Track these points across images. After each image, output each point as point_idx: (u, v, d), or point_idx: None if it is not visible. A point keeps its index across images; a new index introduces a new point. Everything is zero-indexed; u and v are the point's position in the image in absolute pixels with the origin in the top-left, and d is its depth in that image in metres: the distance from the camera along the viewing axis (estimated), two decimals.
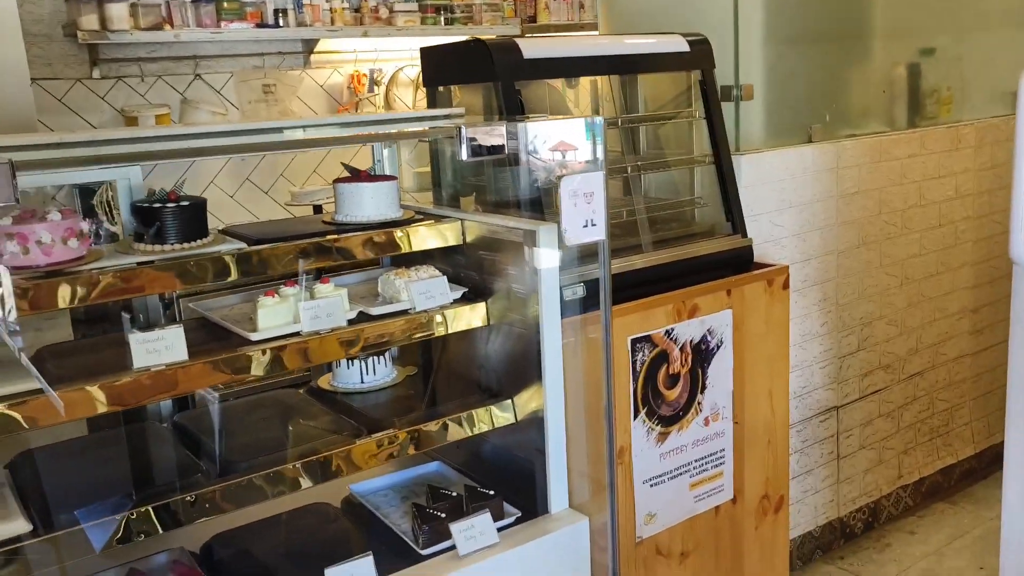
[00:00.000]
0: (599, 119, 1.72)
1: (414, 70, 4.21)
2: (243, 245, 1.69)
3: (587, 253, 1.89)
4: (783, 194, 2.58)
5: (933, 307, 3.10)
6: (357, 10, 3.88)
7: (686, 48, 2.32)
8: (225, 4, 3.32)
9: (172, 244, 1.62)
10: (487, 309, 1.94)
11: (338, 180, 1.92)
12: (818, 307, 2.74)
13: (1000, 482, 3.37)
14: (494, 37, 4.39)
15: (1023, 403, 2.03)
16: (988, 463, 3.43)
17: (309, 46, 3.87)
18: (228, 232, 1.81)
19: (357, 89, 4.04)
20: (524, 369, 1.93)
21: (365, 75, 4.07)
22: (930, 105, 3.02)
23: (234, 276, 1.65)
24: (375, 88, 4.10)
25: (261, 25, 3.47)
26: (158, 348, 1.51)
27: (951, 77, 3.08)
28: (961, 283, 3.18)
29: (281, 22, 3.52)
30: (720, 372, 2.28)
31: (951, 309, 3.16)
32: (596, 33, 4.29)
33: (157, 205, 1.61)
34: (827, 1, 2.75)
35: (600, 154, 1.73)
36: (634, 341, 2.12)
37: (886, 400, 3.02)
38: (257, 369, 1.61)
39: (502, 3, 4.32)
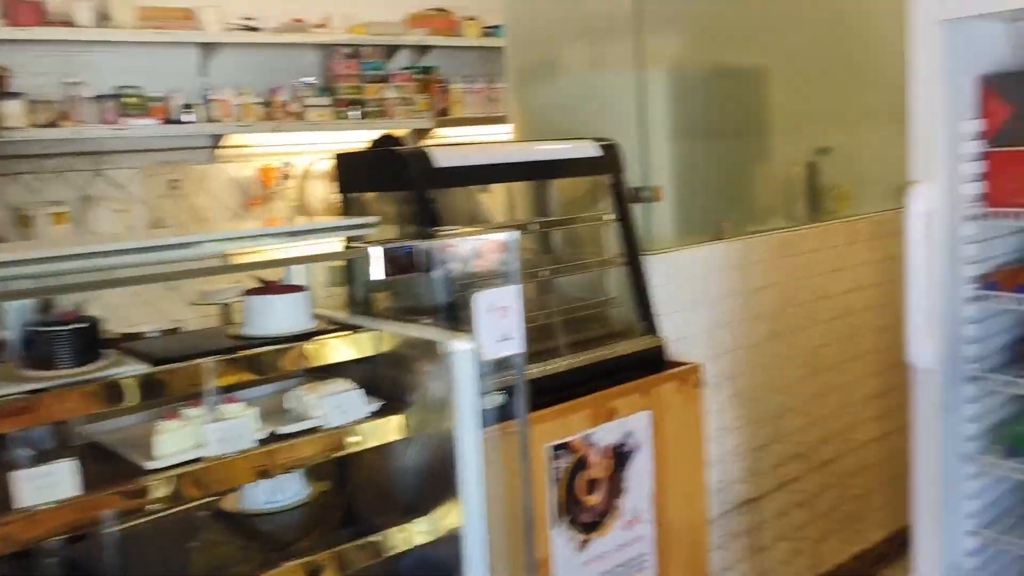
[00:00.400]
0: (515, 234, 1.72)
1: (327, 163, 4.19)
2: (143, 367, 1.61)
3: (505, 360, 1.87)
4: (694, 291, 2.63)
5: (841, 395, 3.17)
6: (267, 104, 3.86)
7: (598, 153, 2.37)
8: (127, 100, 3.25)
9: (65, 369, 1.53)
10: (404, 422, 1.89)
11: (248, 292, 1.87)
12: (732, 401, 2.78)
13: (911, 568, 3.44)
14: (407, 132, 4.43)
15: (927, 502, 2.08)
16: (899, 546, 3.49)
17: (217, 140, 3.82)
18: (128, 349, 1.73)
19: (267, 183, 3.99)
20: (443, 482, 1.87)
21: (276, 169, 4.03)
22: (828, 201, 3.15)
23: (134, 400, 1.57)
24: (286, 181, 4.06)
25: (168, 121, 3.41)
26: (47, 484, 1.41)
27: (846, 174, 3.22)
28: (865, 370, 3.27)
29: (187, 118, 3.47)
30: (639, 474, 2.27)
31: (857, 396, 3.25)
32: (508, 127, 4.38)
33: (46, 329, 1.53)
34: (730, 102, 2.86)
35: (515, 269, 1.73)
36: (553, 448, 2.10)
37: (801, 489, 3.06)
38: (157, 499, 1.52)
39: (415, 97, 4.37)
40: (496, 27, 4.79)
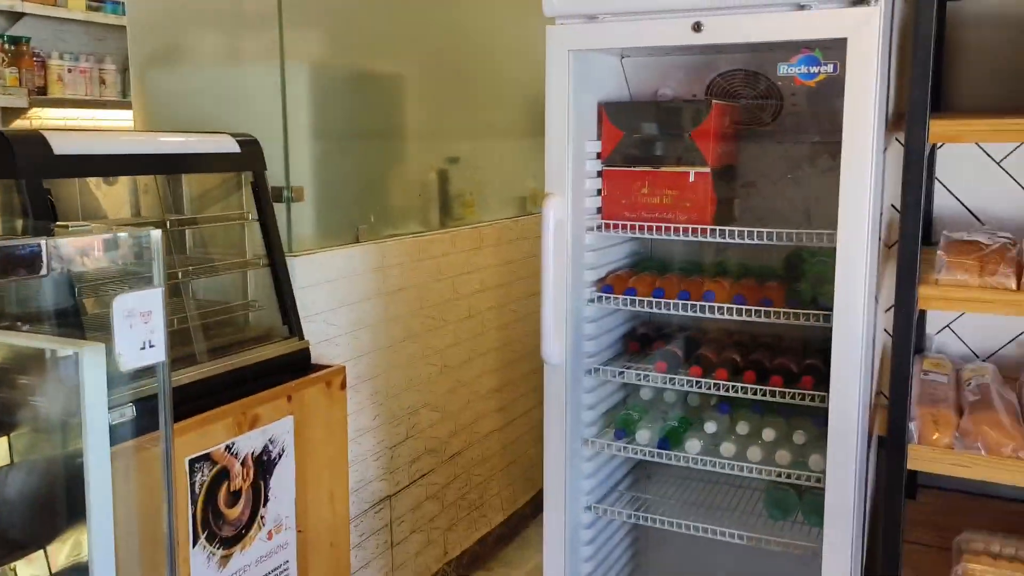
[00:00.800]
0: (155, 233, 1.57)
1: None
2: None
3: (142, 369, 1.71)
4: (336, 294, 2.63)
5: (468, 391, 3.38)
6: None
7: (236, 149, 2.26)
8: None
9: None
10: (8, 445, 1.64)
11: None
12: (370, 401, 2.82)
13: (526, 543, 3.76)
14: None
15: (554, 482, 2.29)
16: (515, 526, 3.81)
17: None
18: None
19: None
20: (64, 511, 1.66)
21: None
22: (457, 208, 3.34)
23: None
24: None
25: None
26: None
27: (472, 182, 3.44)
28: (488, 367, 3.52)
29: None
30: (283, 482, 2.21)
31: (481, 391, 3.48)
32: (127, 113, 4.00)
33: None
34: (370, 106, 2.90)
35: (158, 270, 1.59)
36: (192, 462, 1.96)
37: (432, 482, 3.20)
38: None
39: (3, 70, 3.80)
40: (105, 1, 4.35)
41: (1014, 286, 1.95)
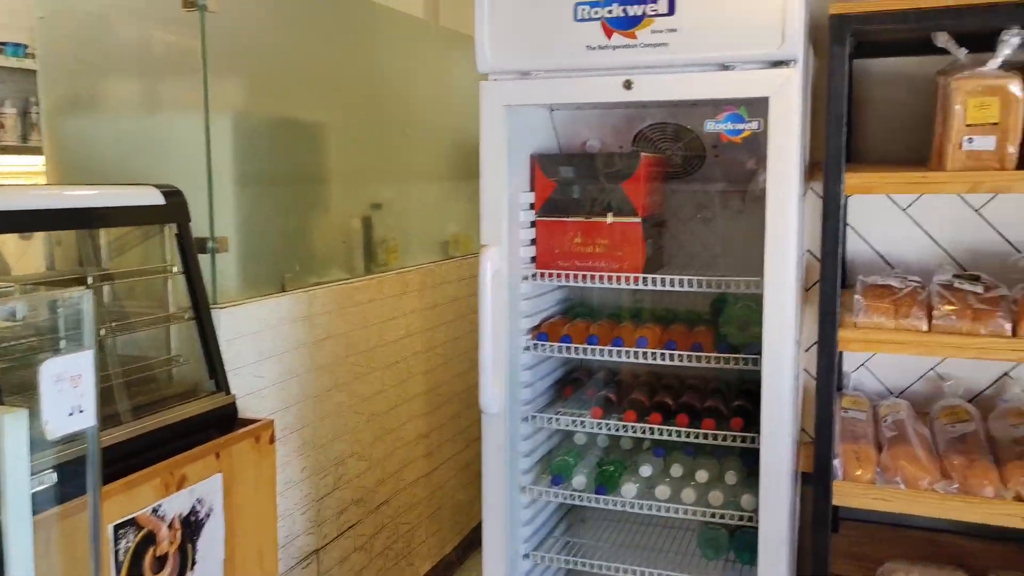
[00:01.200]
0: (86, 293, 1.52)
1: None
2: None
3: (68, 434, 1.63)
4: (262, 345, 2.57)
5: (394, 437, 3.33)
6: None
7: (161, 200, 2.20)
8: None
9: None
10: None
11: None
12: (298, 453, 2.76)
13: None
14: None
15: (493, 531, 2.28)
16: (442, 574, 3.76)
17: None
18: None
19: None
20: None
21: None
22: (381, 253, 3.32)
23: None
24: None
25: None
26: None
27: (396, 228, 3.43)
28: (415, 412, 3.49)
29: None
30: (211, 543, 2.13)
31: (408, 437, 3.44)
32: (29, 158, 3.84)
33: None
34: (293, 154, 2.86)
35: (88, 332, 1.53)
36: (117, 527, 1.88)
37: (360, 533, 3.14)
38: None
39: None
40: (6, 44, 4.20)
41: (925, 328, 2.06)
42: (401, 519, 3.44)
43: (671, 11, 1.94)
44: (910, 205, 2.49)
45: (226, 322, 2.41)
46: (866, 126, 2.53)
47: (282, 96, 2.80)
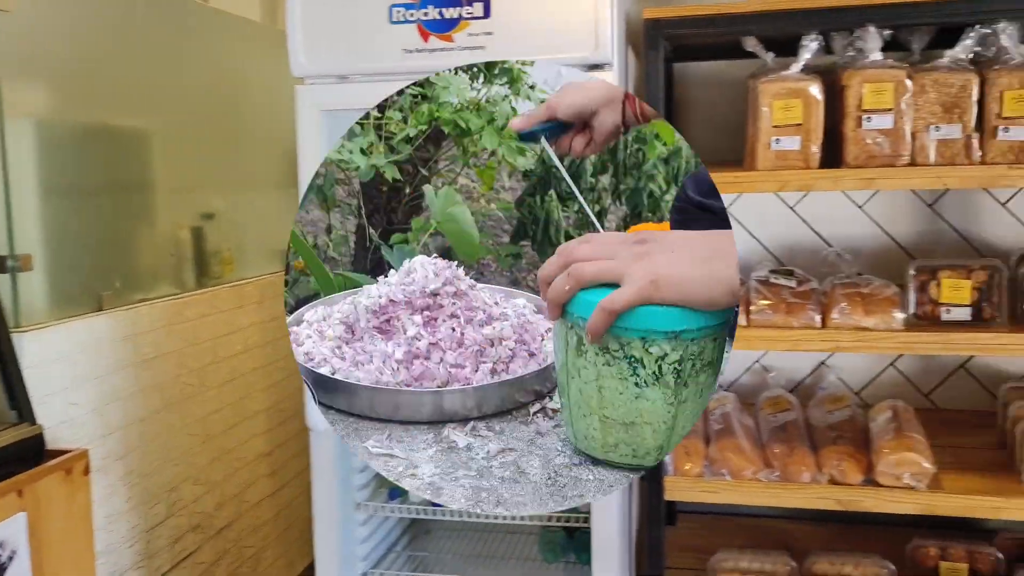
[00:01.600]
0: None
1: None
2: None
3: None
4: (76, 369, 2.40)
5: (233, 458, 3.19)
6: None
7: None
8: None
9: None
10: None
11: None
12: (123, 482, 2.59)
13: None
14: None
15: (326, 552, 2.21)
16: None
17: None
18: None
19: None
20: None
21: None
22: (215, 266, 3.17)
23: None
24: None
25: None
26: None
27: (231, 238, 3.28)
28: (256, 430, 3.35)
29: None
30: None
31: (249, 457, 3.31)
32: None
33: None
34: (110, 164, 2.68)
35: None
36: None
37: (199, 561, 2.98)
38: None
39: None
40: None
41: (744, 322, 2.13)
42: (245, 542, 3.30)
43: (487, 14, 1.93)
44: (732, 204, 2.57)
45: (31, 347, 2.23)
46: (691, 128, 2.60)
47: (98, 102, 2.62)
